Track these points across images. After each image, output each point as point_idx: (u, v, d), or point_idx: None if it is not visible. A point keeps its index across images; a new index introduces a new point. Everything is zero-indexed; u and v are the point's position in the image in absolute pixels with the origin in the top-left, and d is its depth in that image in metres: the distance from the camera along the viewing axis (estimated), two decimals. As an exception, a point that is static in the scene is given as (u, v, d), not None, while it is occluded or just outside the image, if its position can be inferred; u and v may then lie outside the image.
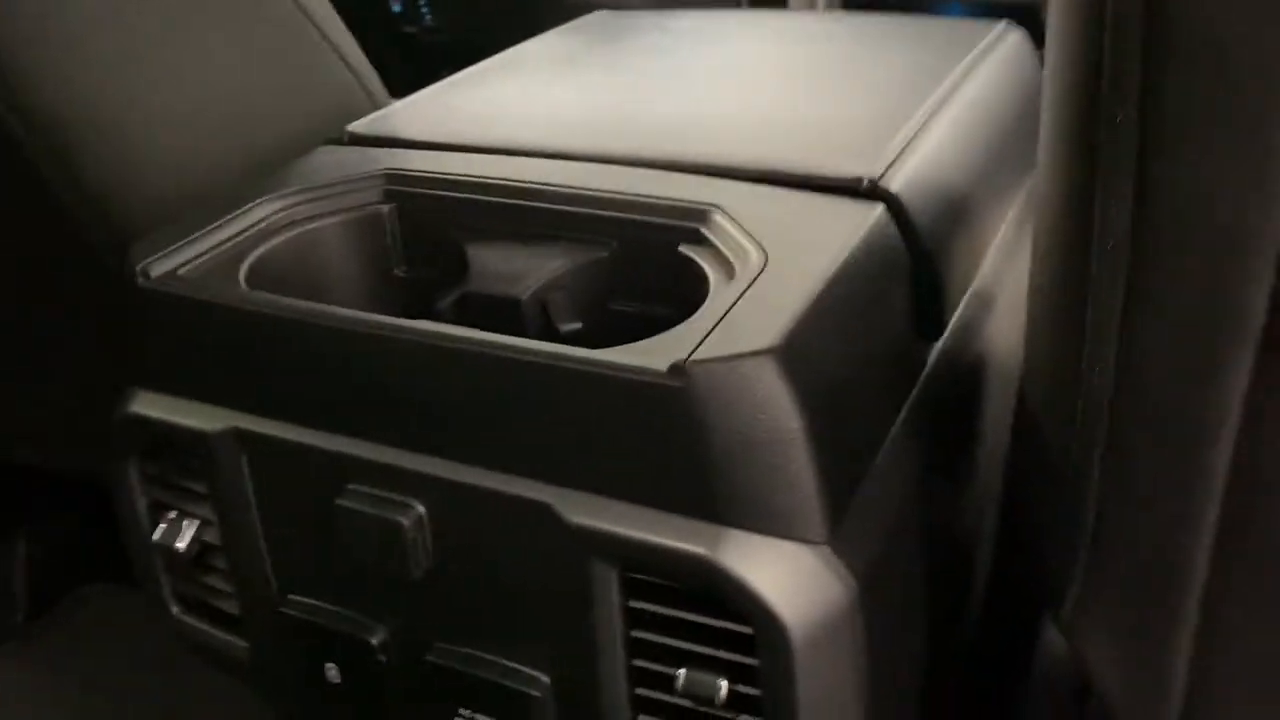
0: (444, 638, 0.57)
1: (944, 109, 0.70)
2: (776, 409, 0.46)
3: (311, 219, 0.65)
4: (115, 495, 0.65)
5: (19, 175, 0.65)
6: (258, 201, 0.64)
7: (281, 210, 0.64)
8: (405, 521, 0.53)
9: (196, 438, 0.58)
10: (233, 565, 0.63)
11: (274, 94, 0.76)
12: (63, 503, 1.20)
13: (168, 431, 0.59)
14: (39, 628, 1.17)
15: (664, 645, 0.51)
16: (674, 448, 0.47)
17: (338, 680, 0.60)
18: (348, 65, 0.80)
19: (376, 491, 0.54)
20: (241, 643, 0.65)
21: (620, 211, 0.60)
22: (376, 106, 0.81)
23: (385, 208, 0.66)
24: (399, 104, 0.79)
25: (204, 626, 0.67)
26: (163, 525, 0.64)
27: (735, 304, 0.50)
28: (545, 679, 0.55)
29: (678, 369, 0.46)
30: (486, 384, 0.50)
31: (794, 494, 0.47)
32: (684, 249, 0.58)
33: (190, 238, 0.60)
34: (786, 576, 0.47)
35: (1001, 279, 0.72)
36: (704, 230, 0.57)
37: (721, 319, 0.49)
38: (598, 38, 0.92)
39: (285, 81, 0.77)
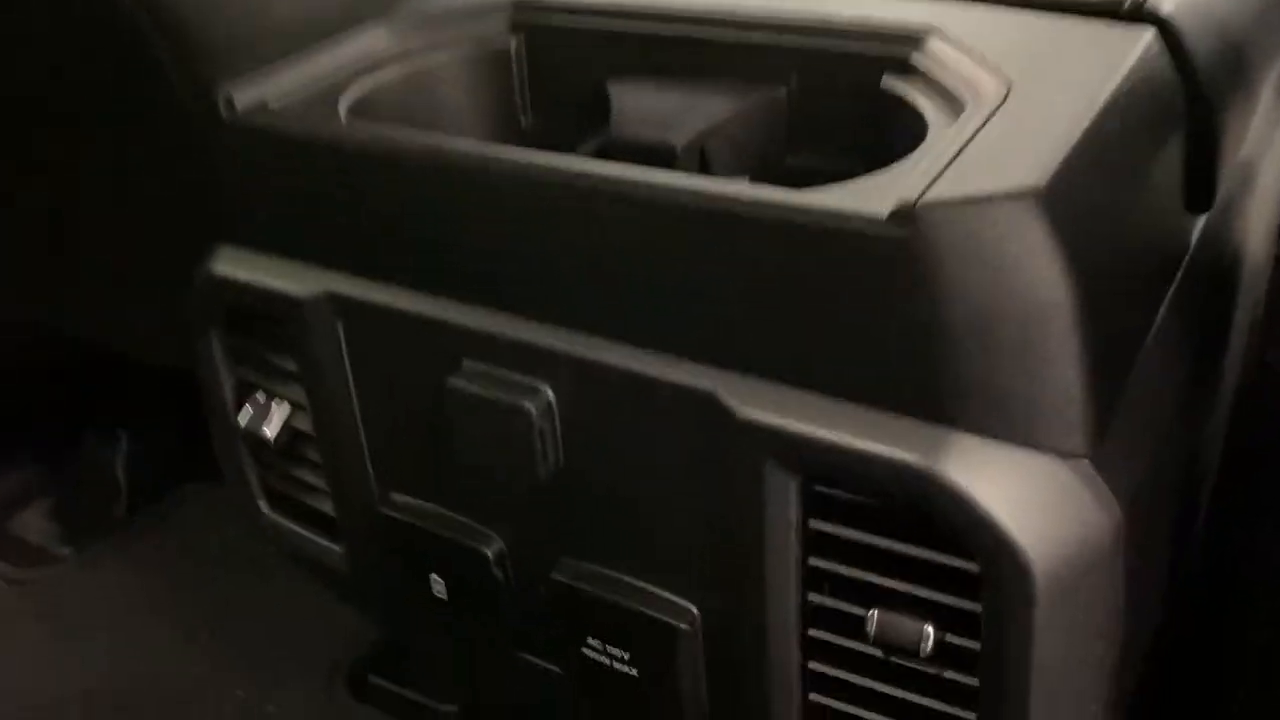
0: (573, 553, 0.47)
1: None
2: (1036, 270, 0.34)
3: (424, 51, 0.54)
4: (199, 373, 0.57)
5: (103, 19, 0.56)
6: (363, 28, 0.54)
7: (390, 40, 0.54)
8: (531, 408, 0.43)
9: (286, 304, 0.49)
10: (327, 458, 0.54)
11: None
12: (169, 400, 1.15)
13: (253, 296, 0.50)
14: (137, 524, 1.13)
15: (851, 579, 0.40)
16: (888, 319, 0.35)
17: (444, 597, 0.51)
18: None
19: (497, 371, 0.44)
20: (337, 548, 0.57)
21: (804, 37, 0.48)
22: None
23: (513, 40, 0.55)
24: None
25: (297, 528, 0.59)
26: (249, 409, 0.55)
27: (973, 139, 0.37)
28: (694, 610, 0.44)
29: (903, 213, 0.34)
30: (642, 235, 0.39)
31: (1050, 388, 0.35)
32: (889, 82, 0.45)
33: (283, 66, 0.50)
34: (1032, 498, 0.35)
35: (1262, 153, 0.57)
36: (917, 59, 0.45)
37: (957, 156, 0.36)
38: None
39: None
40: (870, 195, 0.35)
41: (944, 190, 0.34)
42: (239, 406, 0.56)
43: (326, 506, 0.57)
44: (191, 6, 0.56)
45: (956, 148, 0.37)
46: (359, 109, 0.50)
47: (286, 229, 0.49)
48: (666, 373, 0.40)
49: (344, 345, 0.48)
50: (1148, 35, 0.44)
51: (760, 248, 0.37)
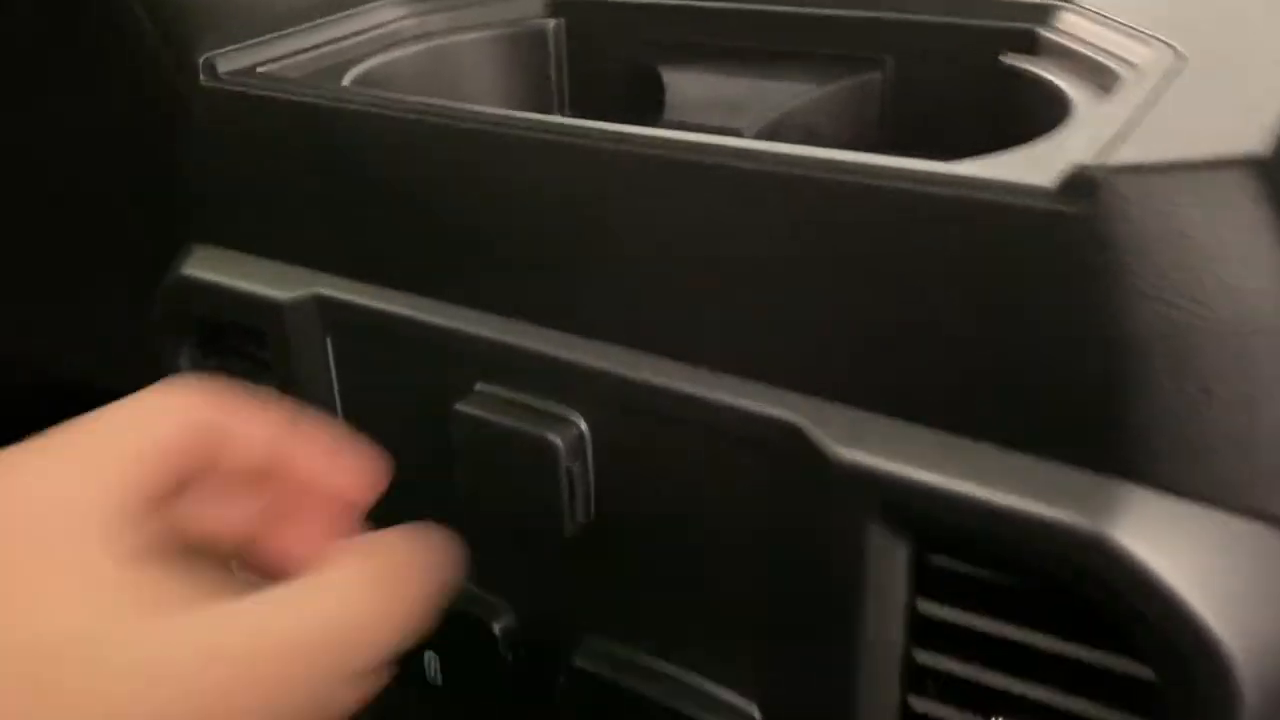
0: (602, 632, 0.37)
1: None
2: (1259, 261, 0.25)
3: (450, 31, 0.46)
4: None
5: None
6: (377, 3, 0.46)
7: (410, 16, 0.46)
8: (558, 442, 0.33)
9: (265, 310, 0.40)
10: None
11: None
12: None
13: (228, 303, 0.42)
14: None
15: (973, 682, 0.30)
16: (1050, 323, 0.26)
17: (437, 680, 0.41)
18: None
19: (517, 396, 0.35)
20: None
21: (901, 12, 0.40)
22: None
23: (550, 23, 0.47)
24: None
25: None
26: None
27: (1150, 106, 0.29)
28: (757, 714, 0.35)
29: (1079, 182, 0.25)
30: (717, 213, 0.30)
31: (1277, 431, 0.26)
32: (1011, 61, 0.37)
33: (278, 33, 0.43)
34: (1241, 581, 0.26)
35: None
36: (1045, 34, 0.37)
37: (1133, 122, 0.28)
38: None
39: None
40: (1023, 166, 0.26)
41: (1131, 154, 0.25)
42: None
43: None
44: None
45: (1126, 114, 0.28)
46: (367, 86, 0.42)
47: (268, 221, 0.41)
48: (739, 400, 0.31)
49: (331, 361, 0.40)
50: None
51: (867, 231, 0.28)
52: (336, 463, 0.29)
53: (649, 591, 0.35)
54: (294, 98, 0.38)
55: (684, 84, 0.43)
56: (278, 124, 0.39)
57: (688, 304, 0.31)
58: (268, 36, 0.42)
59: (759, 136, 0.39)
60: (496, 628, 0.39)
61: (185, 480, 0.27)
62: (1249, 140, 0.26)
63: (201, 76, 0.40)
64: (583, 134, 0.32)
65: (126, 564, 0.24)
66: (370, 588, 0.26)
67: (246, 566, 0.30)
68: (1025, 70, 0.36)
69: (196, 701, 0.23)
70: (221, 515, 0.28)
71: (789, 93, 0.41)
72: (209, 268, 0.42)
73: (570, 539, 0.35)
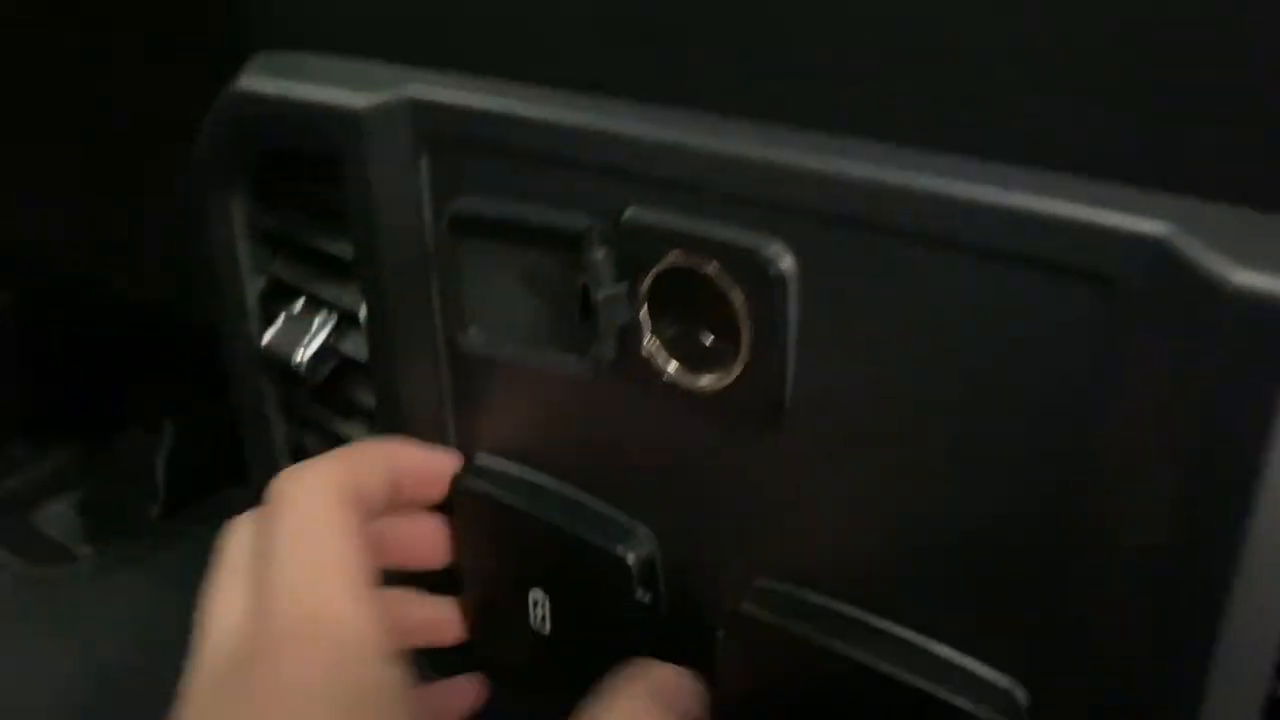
0: (783, 570, 0.27)
1: None
2: None
3: None
4: (213, 263, 0.38)
5: None
6: None
7: None
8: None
9: (339, 124, 0.30)
10: (386, 401, 0.35)
11: None
12: (220, 394, 1.02)
13: (293, 119, 0.32)
14: (171, 530, 0.99)
15: None
16: None
17: (544, 629, 0.31)
18: None
19: (691, 226, 0.24)
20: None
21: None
22: None
23: None
24: None
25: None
26: (279, 322, 0.37)
27: None
28: (1019, 695, 0.24)
29: None
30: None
31: None
32: None
33: None
34: None
35: None
36: None
37: None
38: None
39: None
40: None
41: None
42: (266, 318, 0.38)
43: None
44: None
45: None
46: None
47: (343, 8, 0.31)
48: (1058, 206, 0.20)
49: (426, 198, 0.30)
50: None
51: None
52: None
53: (855, 509, 0.25)
54: None
55: None
56: None
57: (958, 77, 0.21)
58: None
59: None
60: (630, 557, 0.29)
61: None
62: None
63: None
64: None
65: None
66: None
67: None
68: None
69: None
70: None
71: None
72: (271, 75, 0.32)
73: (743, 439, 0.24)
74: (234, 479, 1.03)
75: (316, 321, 0.36)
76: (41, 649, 0.85)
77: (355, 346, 0.36)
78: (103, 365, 1.01)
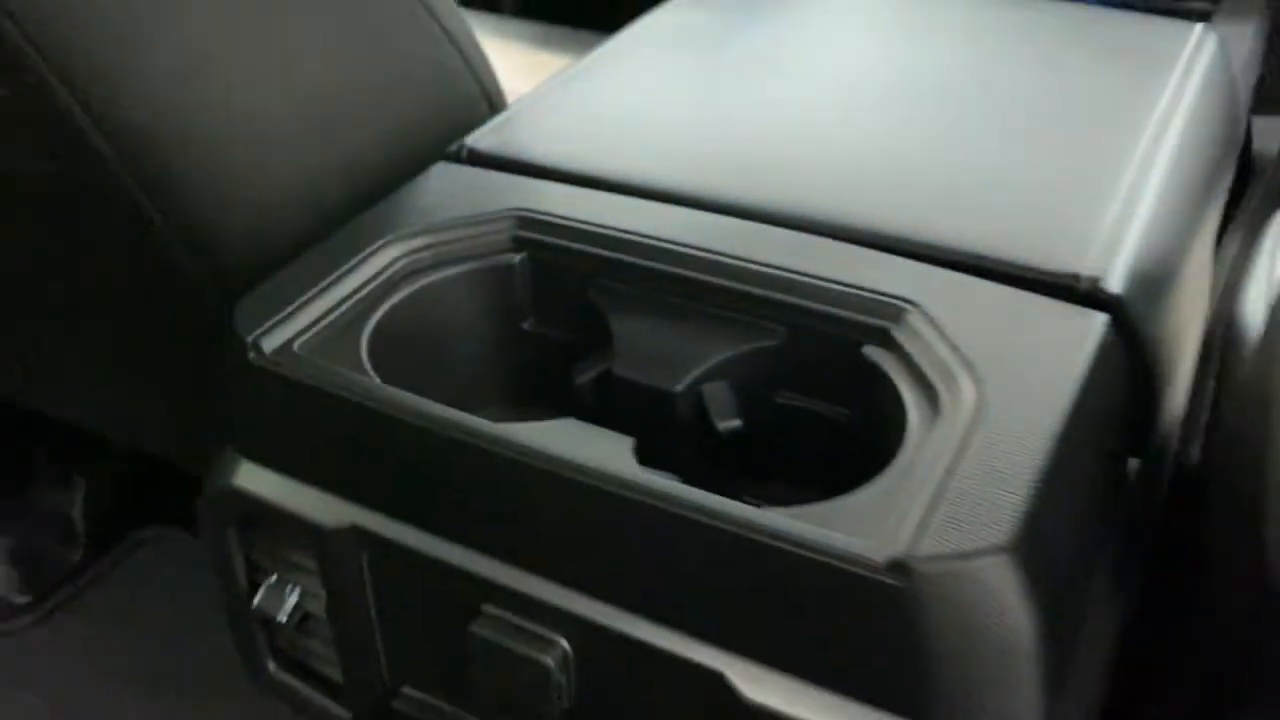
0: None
1: (1154, 162, 0.61)
2: (1009, 615, 0.40)
3: (435, 268, 0.57)
4: (210, 554, 0.60)
5: (107, 194, 0.58)
6: (377, 246, 0.57)
7: (403, 258, 0.57)
8: (549, 662, 0.47)
9: (310, 529, 0.52)
10: (340, 645, 0.58)
11: (379, 87, 0.68)
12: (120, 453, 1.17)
13: (275, 516, 0.54)
14: (94, 573, 1.16)
15: None
16: (882, 643, 0.41)
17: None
18: (460, 52, 0.71)
19: (516, 620, 0.48)
20: (345, 714, 0.61)
21: (793, 296, 0.52)
22: (490, 101, 0.73)
23: (516, 258, 0.58)
24: (519, 106, 0.71)
25: (303, 687, 0.63)
26: (263, 590, 0.59)
27: (955, 465, 0.42)
28: None
29: (900, 566, 0.39)
30: (652, 537, 0.43)
31: (1015, 699, 0.41)
32: (870, 352, 0.50)
33: (304, 298, 0.53)
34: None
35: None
36: (896, 334, 0.50)
37: (941, 488, 0.42)
38: (728, 11, 0.82)
39: (392, 71, 0.69)
40: (864, 532, 0.40)
41: (934, 543, 0.39)
42: (252, 585, 0.60)
43: (334, 673, 0.61)
44: (200, 189, 0.59)
45: (939, 474, 0.42)
46: (379, 335, 0.53)
47: (311, 462, 0.52)
48: (678, 648, 0.45)
49: (367, 571, 0.52)
50: (1101, 322, 0.49)
51: (765, 568, 0.41)
52: None
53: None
54: (326, 389, 0.49)
55: (628, 332, 0.55)
56: (316, 403, 0.50)
57: (632, 579, 0.45)
58: (298, 303, 0.53)
59: (685, 393, 0.52)
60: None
61: None
62: (1007, 525, 0.40)
63: (251, 354, 0.51)
64: (528, 452, 0.45)
65: None
66: None
67: None
68: (880, 367, 0.49)
69: None
70: None
71: (711, 349, 0.53)
72: (257, 483, 0.54)
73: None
74: (143, 520, 1.21)
75: (287, 594, 0.59)
76: (8, 702, 1.02)
77: (318, 608, 0.59)
78: (4, 423, 1.14)
